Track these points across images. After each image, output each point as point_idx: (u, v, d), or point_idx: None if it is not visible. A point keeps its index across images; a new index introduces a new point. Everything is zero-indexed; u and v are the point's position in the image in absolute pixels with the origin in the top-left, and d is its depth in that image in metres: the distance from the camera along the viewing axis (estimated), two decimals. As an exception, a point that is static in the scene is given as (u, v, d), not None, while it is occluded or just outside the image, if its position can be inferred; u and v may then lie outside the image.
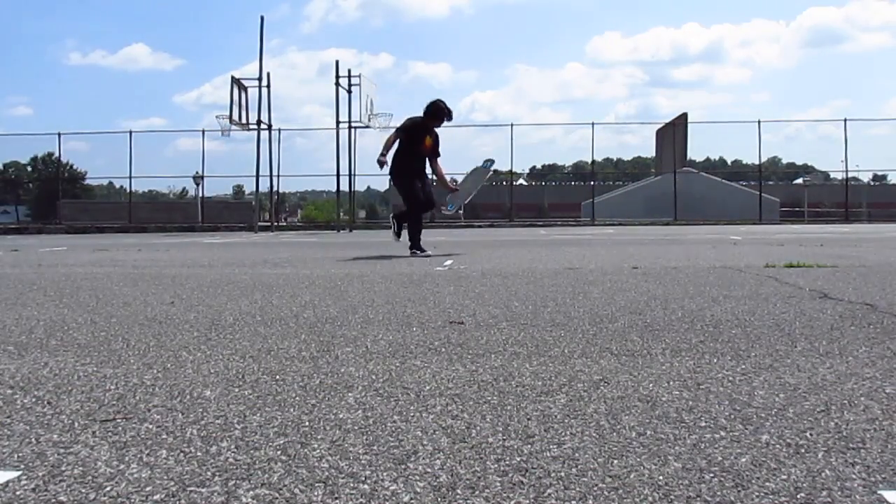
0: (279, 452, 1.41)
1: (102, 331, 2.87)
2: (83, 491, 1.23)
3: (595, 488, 1.22)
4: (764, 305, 3.37)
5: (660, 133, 28.14)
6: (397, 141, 7.80)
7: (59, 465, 1.35)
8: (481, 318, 3.09)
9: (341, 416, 1.65)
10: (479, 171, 8.99)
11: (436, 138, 7.99)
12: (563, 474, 1.28)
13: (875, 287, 4.04)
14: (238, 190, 48.12)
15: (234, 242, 12.67)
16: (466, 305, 3.49)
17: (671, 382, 1.93)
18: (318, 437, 1.50)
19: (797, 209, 38.12)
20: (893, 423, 1.55)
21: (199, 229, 23.19)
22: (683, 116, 25.76)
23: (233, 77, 20.65)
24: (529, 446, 1.43)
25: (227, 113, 20.65)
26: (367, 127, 21.72)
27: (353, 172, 22.90)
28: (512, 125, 28.17)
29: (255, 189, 21.96)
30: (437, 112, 7.81)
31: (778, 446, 1.41)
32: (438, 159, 8.03)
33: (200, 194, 30.44)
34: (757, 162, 28.40)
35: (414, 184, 7.84)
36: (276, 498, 1.20)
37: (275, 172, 23.43)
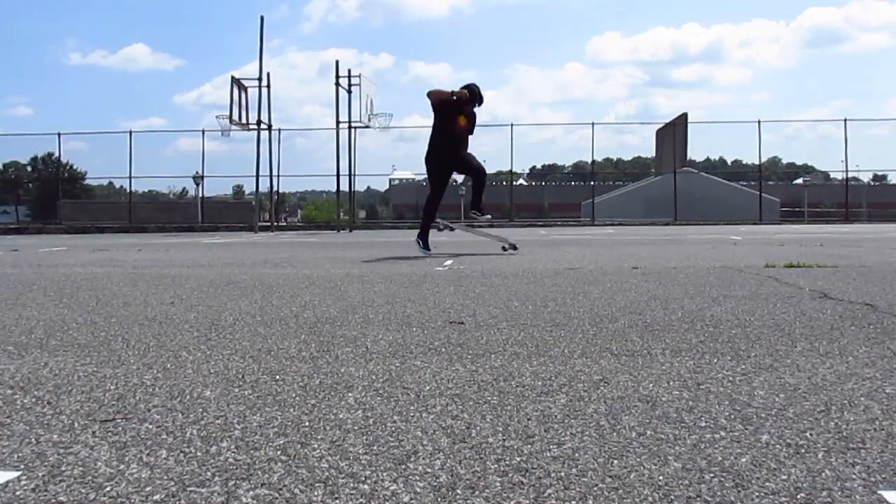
0: (279, 452, 1.41)
1: (102, 331, 2.87)
2: (83, 491, 1.23)
3: (595, 488, 1.22)
4: (764, 305, 3.37)
5: (660, 133, 28.13)
6: (434, 117, 7.76)
7: (59, 465, 1.35)
8: (481, 318, 3.09)
9: (341, 416, 1.65)
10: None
11: (471, 120, 7.90)
12: (563, 474, 1.28)
13: (875, 287, 4.04)
14: (238, 190, 48.19)
15: (234, 242, 12.67)
16: (466, 305, 3.49)
17: (671, 382, 1.93)
18: (318, 437, 1.50)
19: (797, 209, 38.13)
20: (893, 423, 1.55)
21: (199, 229, 23.19)
22: (683, 116, 25.75)
23: (233, 77, 20.67)
24: (529, 446, 1.43)
25: (227, 113, 20.67)
26: (367, 127, 21.72)
27: (353, 172, 22.93)
28: (512, 125, 28.22)
29: (255, 189, 22.00)
30: (468, 93, 7.76)
31: (778, 446, 1.41)
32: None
33: (200, 194, 30.45)
34: (757, 162, 28.42)
35: (441, 173, 7.81)
36: (276, 498, 1.20)
37: (275, 172, 23.49)
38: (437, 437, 1.49)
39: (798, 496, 1.18)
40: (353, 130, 21.78)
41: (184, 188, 44.74)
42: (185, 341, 2.62)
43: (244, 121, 21.00)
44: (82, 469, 1.33)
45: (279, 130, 25.04)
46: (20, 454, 1.42)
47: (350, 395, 1.84)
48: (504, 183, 34.89)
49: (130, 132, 28.11)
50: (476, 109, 7.97)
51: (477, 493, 1.21)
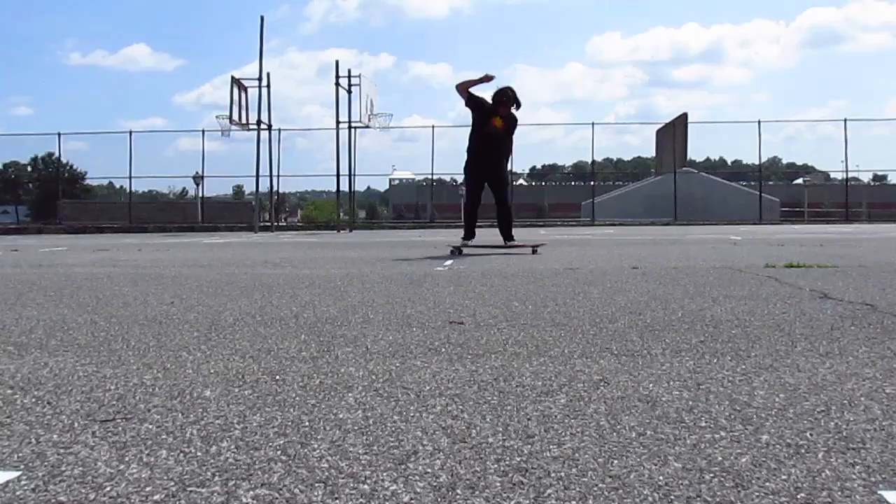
0: (279, 452, 1.41)
1: (102, 331, 2.87)
2: (83, 491, 1.23)
3: (595, 488, 1.22)
4: (764, 305, 3.37)
5: (660, 133, 28.11)
6: (471, 117, 7.83)
7: (58, 465, 1.35)
8: (481, 318, 3.09)
9: (341, 416, 1.65)
10: None
11: (509, 122, 7.87)
12: (563, 474, 1.28)
13: (875, 287, 4.04)
14: (238, 190, 48.14)
15: (234, 242, 12.67)
16: (466, 305, 3.49)
17: (671, 382, 1.93)
18: (318, 437, 1.50)
19: (797, 209, 38.11)
20: (893, 423, 1.55)
21: (198, 229, 23.19)
22: (683, 116, 25.73)
23: (233, 77, 20.67)
24: (529, 446, 1.43)
25: (227, 113, 20.67)
26: (367, 127, 21.73)
27: (353, 172, 22.94)
28: (512, 125, 28.14)
29: (255, 189, 21.99)
30: (498, 95, 7.77)
31: (778, 446, 1.41)
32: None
33: (200, 194, 30.47)
34: (757, 162, 28.45)
35: (475, 176, 7.89)
36: (276, 498, 1.20)
37: (275, 172, 23.49)
38: (437, 437, 1.49)
39: (798, 496, 1.18)
40: (353, 130, 21.79)
41: (184, 188, 44.77)
42: (185, 341, 2.62)
43: (244, 121, 21.00)
44: (82, 469, 1.33)
45: (279, 130, 25.12)
46: (20, 454, 1.42)
47: (350, 395, 1.84)
48: (504, 183, 34.81)
49: (130, 132, 28.22)
50: (515, 112, 7.93)
51: (477, 493, 1.21)
